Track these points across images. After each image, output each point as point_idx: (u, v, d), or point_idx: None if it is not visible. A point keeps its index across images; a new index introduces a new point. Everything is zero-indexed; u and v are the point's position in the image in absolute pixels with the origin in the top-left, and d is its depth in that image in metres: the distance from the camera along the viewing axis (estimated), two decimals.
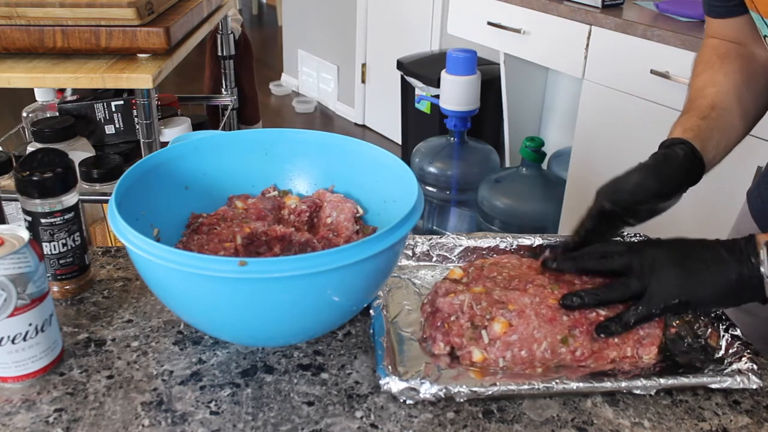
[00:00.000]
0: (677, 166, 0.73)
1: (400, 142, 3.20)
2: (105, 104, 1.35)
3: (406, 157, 2.69)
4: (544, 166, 2.31)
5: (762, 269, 0.65)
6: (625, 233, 0.88)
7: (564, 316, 0.68)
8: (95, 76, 1.11)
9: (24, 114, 1.45)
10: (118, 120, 1.36)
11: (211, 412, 0.62)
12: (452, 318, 0.69)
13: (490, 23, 2.36)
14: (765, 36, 0.78)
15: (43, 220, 0.72)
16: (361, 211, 0.79)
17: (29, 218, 0.73)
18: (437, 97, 2.42)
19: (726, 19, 0.85)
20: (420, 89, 2.74)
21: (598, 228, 0.73)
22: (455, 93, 2.27)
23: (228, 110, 1.83)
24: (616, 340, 0.69)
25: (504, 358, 0.67)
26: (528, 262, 0.77)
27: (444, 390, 0.62)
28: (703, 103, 0.81)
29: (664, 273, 0.67)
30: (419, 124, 2.87)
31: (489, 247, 0.85)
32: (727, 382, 0.64)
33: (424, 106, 2.78)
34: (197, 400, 0.63)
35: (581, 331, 0.68)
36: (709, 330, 0.72)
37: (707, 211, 1.65)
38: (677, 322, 0.75)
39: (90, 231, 1.26)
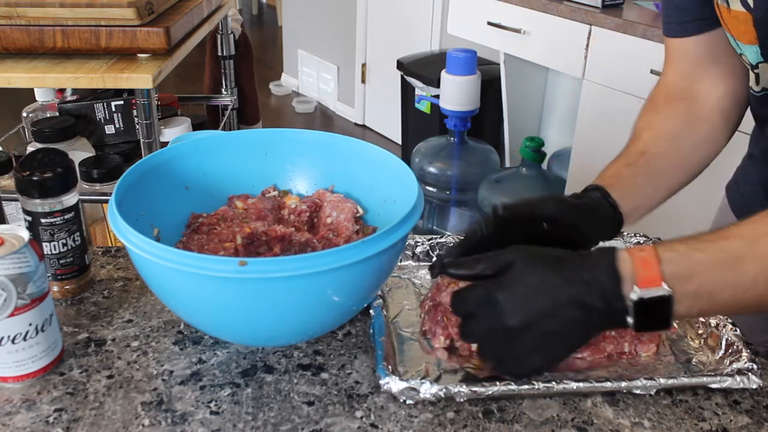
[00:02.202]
0: (584, 205, 0.71)
1: (400, 142, 3.20)
2: (105, 104, 1.35)
3: (406, 157, 2.69)
4: (544, 166, 2.31)
5: (629, 320, 0.58)
6: (625, 233, 0.88)
7: None
8: (95, 76, 1.11)
9: (24, 114, 1.45)
10: (118, 120, 1.36)
11: (211, 412, 0.62)
12: (451, 309, 0.69)
13: (490, 23, 2.37)
14: (741, 55, 0.77)
15: (43, 220, 0.72)
16: (361, 211, 0.79)
17: (29, 218, 0.73)
18: (437, 97, 2.42)
19: (684, 39, 0.83)
20: (420, 89, 2.74)
21: (482, 241, 0.67)
22: (455, 93, 2.26)
23: (228, 110, 1.83)
24: (613, 333, 0.69)
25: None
26: None
27: (444, 390, 0.62)
28: (633, 149, 0.80)
29: (517, 342, 0.60)
30: (419, 124, 2.87)
31: None
32: (727, 382, 0.64)
33: (424, 106, 2.78)
34: (197, 400, 0.63)
35: None
36: (709, 330, 0.72)
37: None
38: (677, 321, 0.75)
39: (90, 231, 1.26)
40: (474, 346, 0.68)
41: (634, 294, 0.57)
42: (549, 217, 0.68)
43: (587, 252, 0.61)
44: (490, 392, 0.62)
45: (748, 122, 0.87)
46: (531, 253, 0.61)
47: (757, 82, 0.78)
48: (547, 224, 0.68)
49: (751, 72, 0.77)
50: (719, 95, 0.83)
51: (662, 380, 0.64)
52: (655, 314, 0.58)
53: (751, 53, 0.74)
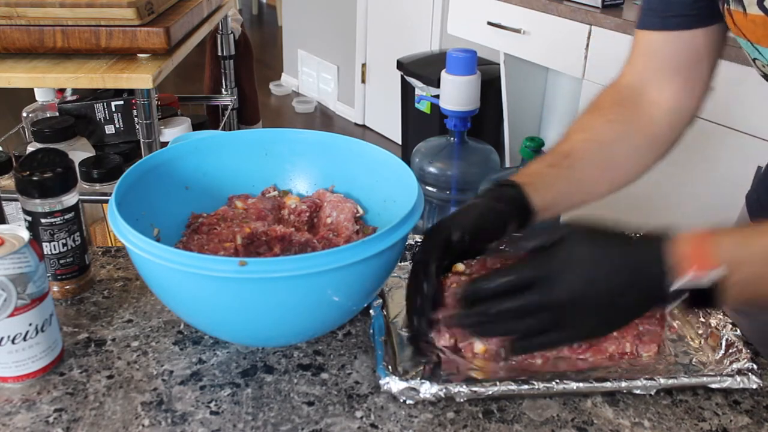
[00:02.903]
0: (506, 206, 0.71)
1: (400, 142, 3.20)
2: (105, 104, 1.35)
3: (406, 157, 2.69)
4: None
5: (679, 300, 0.60)
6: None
7: None
8: (95, 76, 1.11)
9: (24, 114, 1.45)
10: (118, 120, 1.36)
11: (211, 412, 0.62)
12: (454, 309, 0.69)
13: (490, 23, 2.37)
14: (755, 59, 0.75)
15: (43, 220, 0.72)
16: (361, 211, 0.79)
17: (29, 218, 0.73)
18: (437, 97, 2.42)
19: (660, 33, 0.80)
20: (420, 89, 2.74)
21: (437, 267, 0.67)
22: (455, 93, 2.26)
23: (228, 110, 1.83)
24: (614, 333, 0.69)
25: (504, 347, 0.67)
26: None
27: (444, 390, 0.62)
28: (560, 149, 0.79)
29: (582, 317, 0.61)
30: (419, 124, 2.87)
31: None
32: (727, 382, 0.64)
33: (424, 106, 2.78)
34: (197, 400, 0.63)
35: None
36: (709, 330, 0.72)
37: (708, 211, 1.65)
38: (677, 322, 0.75)
39: (90, 231, 1.26)
40: (476, 347, 0.68)
41: (688, 277, 0.58)
42: (492, 229, 0.69)
43: (645, 232, 0.62)
44: (490, 392, 0.62)
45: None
46: (589, 230, 0.63)
47: None
48: (467, 237, 0.68)
49: None
50: (667, 109, 0.81)
51: (662, 380, 0.64)
52: (706, 296, 0.59)
53: None
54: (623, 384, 0.64)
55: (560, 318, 0.61)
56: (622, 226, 0.64)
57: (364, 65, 3.83)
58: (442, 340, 0.69)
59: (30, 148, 1.26)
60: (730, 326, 0.70)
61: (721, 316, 0.72)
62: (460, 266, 0.75)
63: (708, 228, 0.61)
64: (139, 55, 1.17)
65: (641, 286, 0.60)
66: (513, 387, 0.63)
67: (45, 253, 0.74)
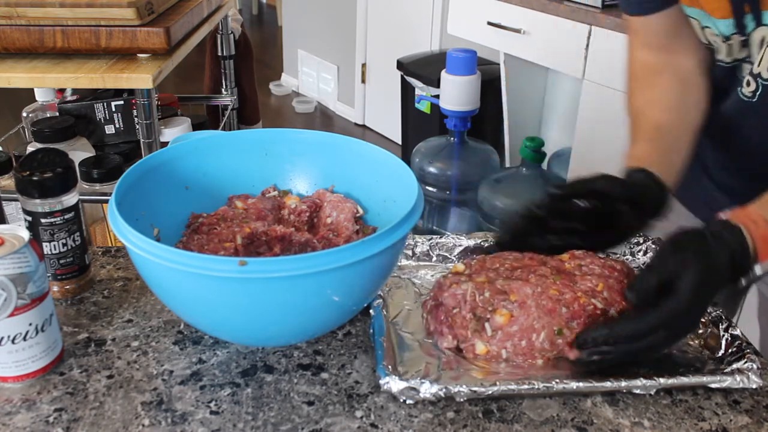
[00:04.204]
0: (635, 185, 0.74)
1: (400, 142, 3.20)
2: (105, 104, 1.35)
3: (406, 157, 2.68)
4: (544, 166, 2.30)
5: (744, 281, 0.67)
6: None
7: (563, 307, 0.68)
8: (95, 76, 1.11)
9: (24, 114, 1.45)
10: (118, 120, 1.36)
11: (211, 412, 0.62)
12: (455, 310, 0.69)
13: (490, 23, 2.37)
14: (705, 27, 0.81)
15: (43, 220, 0.72)
16: (361, 211, 0.79)
17: (29, 218, 0.73)
18: (437, 97, 2.42)
19: (647, 17, 0.85)
20: (420, 89, 2.74)
21: (530, 225, 0.72)
22: (455, 93, 2.26)
23: (228, 110, 1.83)
24: None
25: (506, 349, 0.68)
26: (530, 254, 0.77)
27: (444, 390, 0.62)
28: (645, 126, 0.82)
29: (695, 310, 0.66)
30: (419, 124, 2.87)
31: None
32: (727, 382, 0.64)
33: (424, 106, 2.78)
34: (197, 399, 0.63)
35: (578, 323, 0.68)
36: (709, 330, 0.72)
37: None
38: None
39: (90, 231, 1.26)
40: (478, 349, 0.68)
41: (759, 268, 0.67)
42: (602, 192, 0.72)
43: (718, 232, 0.67)
44: (490, 392, 0.63)
45: None
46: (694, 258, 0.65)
47: (729, 53, 0.82)
48: (599, 201, 0.72)
49: (722, 44, 0.81)
50: (695, 63, 0.86)
51: (662, 380, 0.64)
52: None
53: (724, 26, 0.78)
54: (623, 384, 0.64)
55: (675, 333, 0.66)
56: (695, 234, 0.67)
57: (364, 65, 3.83)
58: (445, 341, 0.69)
59: (30, 148, 1.26)
60: (730, 326, 0.70)
61: (723, 315, 0.72)
62: (459, 266, 0.76)
63: (763, 218, 0.67)
64: (139, 55, 1.17)
65: (728, 279, 0.66)
66: (513, 387, 0.63)
67: (45, 253, 0.74)
